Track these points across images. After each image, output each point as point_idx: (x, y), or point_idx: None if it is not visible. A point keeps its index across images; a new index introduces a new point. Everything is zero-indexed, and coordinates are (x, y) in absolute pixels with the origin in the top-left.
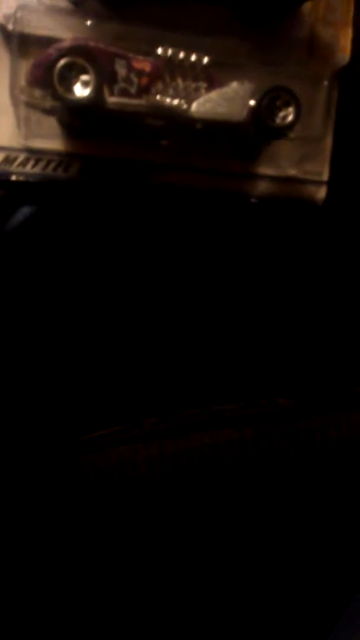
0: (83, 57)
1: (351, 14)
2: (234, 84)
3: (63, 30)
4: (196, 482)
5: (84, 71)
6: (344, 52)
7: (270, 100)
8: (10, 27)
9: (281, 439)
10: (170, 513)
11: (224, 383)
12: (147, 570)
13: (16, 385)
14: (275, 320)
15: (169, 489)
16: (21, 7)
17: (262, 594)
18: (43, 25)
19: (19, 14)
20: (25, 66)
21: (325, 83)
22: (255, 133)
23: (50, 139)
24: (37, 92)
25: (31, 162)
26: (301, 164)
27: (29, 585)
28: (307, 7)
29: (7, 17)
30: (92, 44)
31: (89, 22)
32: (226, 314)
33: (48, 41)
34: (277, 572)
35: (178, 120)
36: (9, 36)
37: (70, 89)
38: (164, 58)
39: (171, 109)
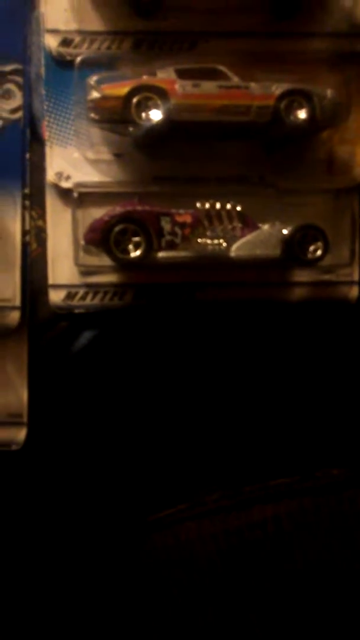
0: (134, 223)
1: None
2: (266, 227)
3: (110, 183)
4: (261, 554)
5: (135, 234)
6: None
7: (301, 237)
8: (63, 184)
9: (339, 506)
10: (238, 586)
11: (279, 460)
12: None
13: (91, 478)
14: (323, 405)
15: (236, 563)
16: (70, 165)
17: None
18: (91, 179)
19: (68, 172)
20: (81, 216)
21: (347, 198)
22: (289, 263)
23: (105, 274)
24: (94, 250)
25: (90, 295)
26: (334, 269)
27: None
28: None
29: (59, 176)
30: (139, 208)
31: (131, 173)
32: (277, 402)
33: (98, 194)
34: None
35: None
36: (63, 192)
37: (125, 250)
38: (202, 210)
39: (213, 254)
